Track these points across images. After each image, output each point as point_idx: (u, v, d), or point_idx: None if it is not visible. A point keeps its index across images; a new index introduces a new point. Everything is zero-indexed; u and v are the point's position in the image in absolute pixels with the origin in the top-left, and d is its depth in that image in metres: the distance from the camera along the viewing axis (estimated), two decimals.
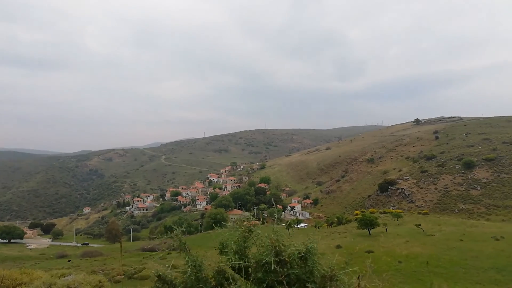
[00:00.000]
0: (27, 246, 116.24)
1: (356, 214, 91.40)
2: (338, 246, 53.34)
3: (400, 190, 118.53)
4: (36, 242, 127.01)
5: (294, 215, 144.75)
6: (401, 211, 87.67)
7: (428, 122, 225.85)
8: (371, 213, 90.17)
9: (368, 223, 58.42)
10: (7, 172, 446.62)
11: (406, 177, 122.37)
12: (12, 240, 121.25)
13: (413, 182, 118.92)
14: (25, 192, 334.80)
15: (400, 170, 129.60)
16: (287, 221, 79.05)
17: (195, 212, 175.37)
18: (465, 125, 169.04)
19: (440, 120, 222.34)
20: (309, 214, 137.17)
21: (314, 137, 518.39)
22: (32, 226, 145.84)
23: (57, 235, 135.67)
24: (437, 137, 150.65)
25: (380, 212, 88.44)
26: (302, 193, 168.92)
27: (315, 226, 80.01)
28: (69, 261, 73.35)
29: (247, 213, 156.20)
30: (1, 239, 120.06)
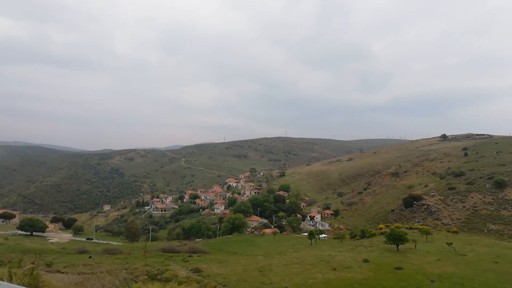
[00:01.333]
0: (49, 239, 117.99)
1: (381, 228, 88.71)
2: (365, 260, 51.43)
3: (425, 206, 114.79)
4: (57, 236, 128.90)
5: (313, 225, 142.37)
6: (427, 227, 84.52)
7: (456, 138, 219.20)
8: (397, 227, 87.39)
9: (397, 238, 56.18)
10: (32, 166, 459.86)
11: (433, 193, 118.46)
12: (34, 233, 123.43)
13: (439, 199, 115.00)
14: (48, 187, 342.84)
15: (426, 186, 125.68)
16: (310, 231, 77.20)
17: (213, 216, 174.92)
18: (496, 143, 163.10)
19: (468, 137, 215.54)
20: (329, 225, 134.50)
21: (334, 148, 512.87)
22: (54, 220, 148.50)
23: (78, 231, 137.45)
24: (466, 154, 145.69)
25: (406, 228, 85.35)
26: (322, 203, 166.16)
27: (338, 238, 77.80)
28: (90, 257, 73.61)
29: (265, 220, 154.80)
30: (24, 231, 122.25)
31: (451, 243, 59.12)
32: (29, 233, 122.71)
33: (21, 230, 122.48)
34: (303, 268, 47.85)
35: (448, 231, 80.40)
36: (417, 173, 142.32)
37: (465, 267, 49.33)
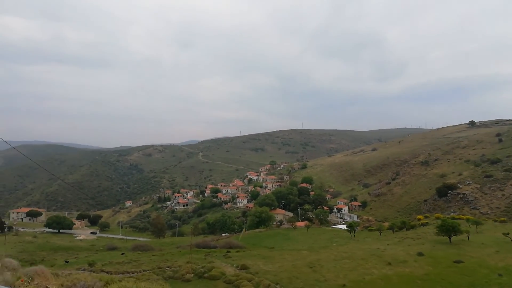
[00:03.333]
0: (76, 236, 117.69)
1: (419, 219, 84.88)
2: (420, 254, 48.02)
3: (461, 195, 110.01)
4: (83, 233, 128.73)
5: (341, 217, 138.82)
6: (470, 217, 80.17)
7: (485, 124, 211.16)
8: (437, 218, 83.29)
9: (450, 229, 52.47)
10: (53, 165, 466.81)
11: (468, 182, 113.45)
12: (61, 230, 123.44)
13: (476, 187, 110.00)
14: (70, 184, 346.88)
15: (460, 174, 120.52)
16: (349, 223, 73.84)
17: (236, 210, 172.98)
18: None
19: (497, 122, 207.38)
20: (357, 217, 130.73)
21: (352, 139, 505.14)
22: (79, 217, 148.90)
23: (104, 227, 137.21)
24: (500, 140, 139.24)
25: (450, 218, 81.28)
26: (347, 195, 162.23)
27: (378, 230, 74.34)
28: (122, 254, 72.12)
29: (290, 213, 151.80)
30: (52, 228, 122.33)
31: (508, 233, 55.03)
32: (57, 231, 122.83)
33: (49, 228, 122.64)
34: (355, 263, 44.77)
35: (495, 221, 75.93)
36: (448, 161, 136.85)
37: None
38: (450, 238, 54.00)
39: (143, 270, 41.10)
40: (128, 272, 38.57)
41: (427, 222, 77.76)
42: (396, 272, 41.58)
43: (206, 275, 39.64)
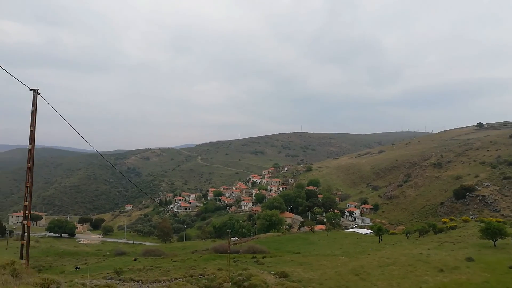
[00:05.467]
0: (79, 241, 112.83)
1: (445, 222, 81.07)
2: (469, 259, 44.10)
3: (480, 198, 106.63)
4: (86, 237, 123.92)
5: (352, 221, 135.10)
6: (493, 219, 76.62)
7: (493, 126, 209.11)
8: (465, 221, 79.68)
9: (496, 233, 48.62)
10: (49, 168, 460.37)
11: (486, 184, 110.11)
12: (63, 235, 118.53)
13: (495, 189, 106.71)
14: (67, 188, 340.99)
15: (476, 176, 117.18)
16: (378, 227, 69.86)
17: (241, 213, 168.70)
18: None
19: (505, 124, 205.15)
20: (370, 220, 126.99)
21: (353, 142, 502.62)
22: (81, 221, 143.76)
23: (107, 231, 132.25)
24: None
25: (476, 220, 77.68)
26: (357, 198, 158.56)
27: (406, 234, 70.51)
28: (135, 259, 67.72)
29: (299, 216, 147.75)
30: (54, 232, 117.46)
31: None
32: (59, 235, 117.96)
33: (50, 232, 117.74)
34: (404, 270, 40.71)
35: None
36: (462, 163, 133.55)
37: None
38: (495, 242, 50.21)
39: (175, 279, 36.84)
40: (160, 281, 34.32)
41: (455, 225, 73.97)
42: (452, 280, 37.61)
43: (245, 284, 35.40)
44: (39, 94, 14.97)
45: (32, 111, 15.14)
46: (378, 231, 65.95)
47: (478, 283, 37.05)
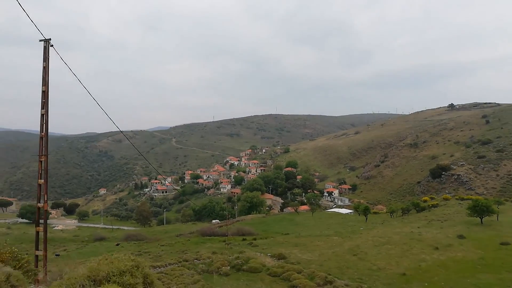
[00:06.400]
0: (54, 227, 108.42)
1: (425, 201, 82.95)
2: (461, 236, 44.81)
3: (455, 176, 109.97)
4: (61, 223, 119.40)
5: (331, 201, 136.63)
6: (483, 197, 79.05)
7: (464, 107, 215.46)
8: (446, 199, 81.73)
9: (484, 210, 49.64)
10: (15, 152, 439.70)
11: (461, 163, 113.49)
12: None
13: (470, 168, 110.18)
14: (35, 172, 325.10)
15: (451, 155, 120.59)
16: (364, 207, 70.29)
17: (220, 196, 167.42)
18: None
19: (476, 105, 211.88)
20: (348, 200, 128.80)
21: (327, 123, 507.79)
22: (54, 206, 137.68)
23: (83, 216, 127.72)
24: (488, 122, 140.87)
25: (456, 199, 79.80)
26: (334, 178, 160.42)
27: (390, 213, 71.44)
28: (117, 244, 65.46)
29: (278, 198, 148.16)
30: (26, 219, 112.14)
31: None
32: (31, 221, 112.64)
33: (23, 218, 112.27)
34: (400, 249, 40.83)
35: (506, 200, 74.90)
36: (437, 143, 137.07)
37: None
38: (481, 219, 51.37)
39: (169, 264, 35.20)
40: (154, 267, 32.58)
41: (437, 204, 75.74)
42: (449, 258, 37.99)
43: (244, 267, 34.35)
44: (52, 45, 12.60)
45: (44, 67, 12.78)
46: (365, 210, 66.32)
47: (474, 260, 37.57)
